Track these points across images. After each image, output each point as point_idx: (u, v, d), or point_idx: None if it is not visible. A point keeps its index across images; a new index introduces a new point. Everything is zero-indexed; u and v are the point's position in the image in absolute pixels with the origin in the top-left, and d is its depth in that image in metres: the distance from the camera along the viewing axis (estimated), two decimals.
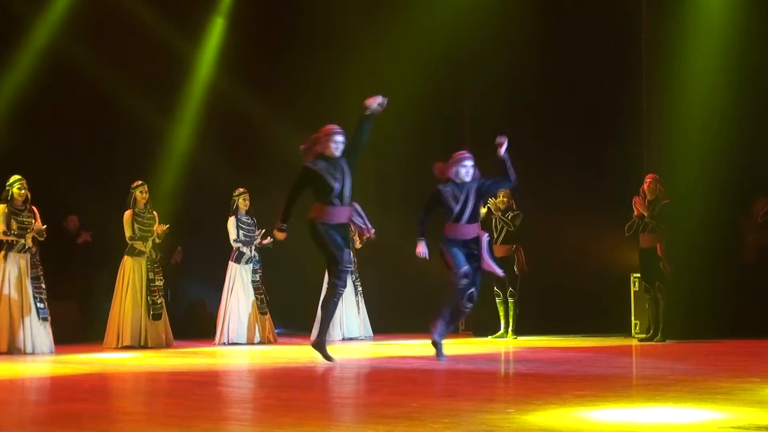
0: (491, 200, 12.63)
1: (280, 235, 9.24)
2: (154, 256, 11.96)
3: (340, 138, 9.25)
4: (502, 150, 9.19)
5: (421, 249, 9.21)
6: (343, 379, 8.08)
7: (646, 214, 11.42)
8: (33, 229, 10.82)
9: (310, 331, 13.27)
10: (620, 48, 12.92)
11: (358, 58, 14.76)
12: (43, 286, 10.89)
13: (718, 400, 5.66)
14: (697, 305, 11.80)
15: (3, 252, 10.80)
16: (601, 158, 13.14)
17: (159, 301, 11.85)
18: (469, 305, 8.87)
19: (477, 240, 8.98)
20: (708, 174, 11.74)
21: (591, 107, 13.24)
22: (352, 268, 13.17)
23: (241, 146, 15.10)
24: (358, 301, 13.21)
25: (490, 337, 12.70)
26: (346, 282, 9.00)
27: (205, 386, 7.27)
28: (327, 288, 8.98)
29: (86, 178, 13.93)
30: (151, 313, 11.79)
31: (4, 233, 10.73)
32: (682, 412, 5.25)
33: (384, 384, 7.26)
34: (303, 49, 15.13)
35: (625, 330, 12.49)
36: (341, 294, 8.89)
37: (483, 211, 12.63)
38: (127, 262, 11.89)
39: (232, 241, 12.48)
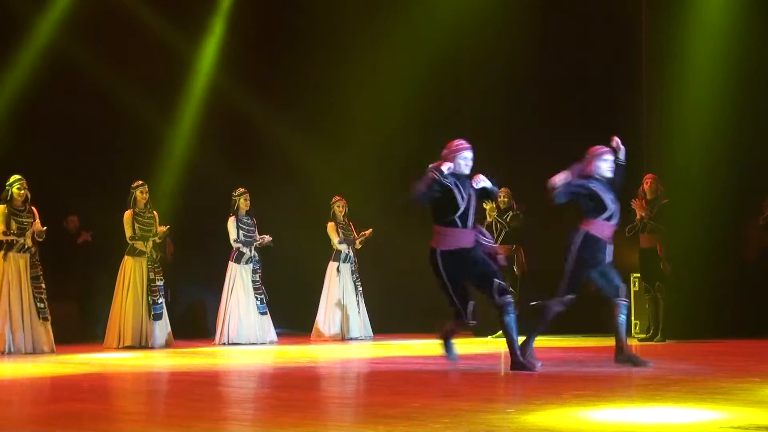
0: (485, 205, 12.61)
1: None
2: (154, 256, 11.97)
3: (468, 154, 8.24)
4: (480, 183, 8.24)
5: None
6: (343, 379, 8.08)
7: (645, 215, 11.42)
8: (33, 229, 10.81)
9: (310, 331, 13.30)
10: (620, 48, 12.91)
11: (358, 58, 14.76)
12: (43, 286, 10.89)
13: (718, 400, 5.66)
14: (697, 305, 11.80)
15: (2, 252, 10.80)
16: None
17: (159, 301, 11.85)
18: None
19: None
20: (708, 174, 11.74)
21: (591, 107, 13.24)
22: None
23: (241, 146, 15.10)
24: (358, 301, 13.21)
25: (490, 337, 12.70)
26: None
27: (205, 386, 7.27)
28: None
29: (86, 178, 13.93)
30: (152, 313, 11.79)
31: (4, 233, 10.73)
32: (682, 412, 5.25)
33: (384, 384, 7.26)
34: (303, 49, 15.13)
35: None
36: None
37: (491, 214, 12.64)
38: (128, 262, 11.89)
39: (232, 241, 12.48)
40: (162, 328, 11.87)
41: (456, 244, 7.81)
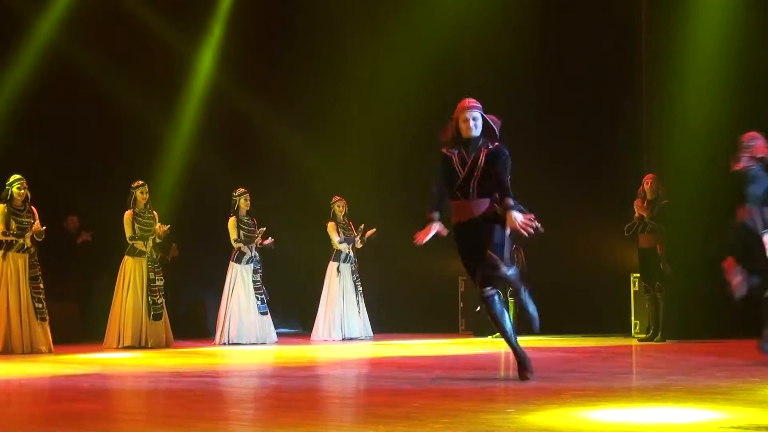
0: None
1: (435, 227, 7.15)
2: (154, 256, 11.97)
3: (469, 114, 7.18)
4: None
5: None
6: (343, 379, 8.08)
7: (645, 215, 11.42)
8: (32, 229, 10.81)
9: (311, 331, 13.30)
10: (620, 48, 12.91)
11: (357, 59, 14.77)
12: (42, 286, 10.88)
13: (718, 400, 5.66)
14: (697, 305, 11.80)
15: (2, 252, 10.79)
16: (601, 158, 13.14)
17: (159, 301, 11.85)
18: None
19: None
20: (708, 174, 11.73)
21: (591, 107, 13.24)
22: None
23: (241, 146, 15.10)
24: (358, 301, 13.21)
25: (490, 337, 12.70)
26: (492, 286, 7.16)
27: (205, 386, 7.27)
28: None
29: (86, 178, 13.93)
30: (152, 313, 11.79)
31: (3, 233, 10.72)
32: (682, 412, 5.25)
33: (384, 384, 7.26)
34: (303, 49, 15.12)
35: (625, 330, 12.49)
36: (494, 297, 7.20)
37: None
38: (128, 262, 11.89)
39: (232, 241, 12.48)
40: (162, 328, 11.87)
41: (460, 216, 7.07)
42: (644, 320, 11.95)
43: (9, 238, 10.75)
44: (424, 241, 7.11)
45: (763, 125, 11.97)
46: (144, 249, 11.88)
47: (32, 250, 10.89)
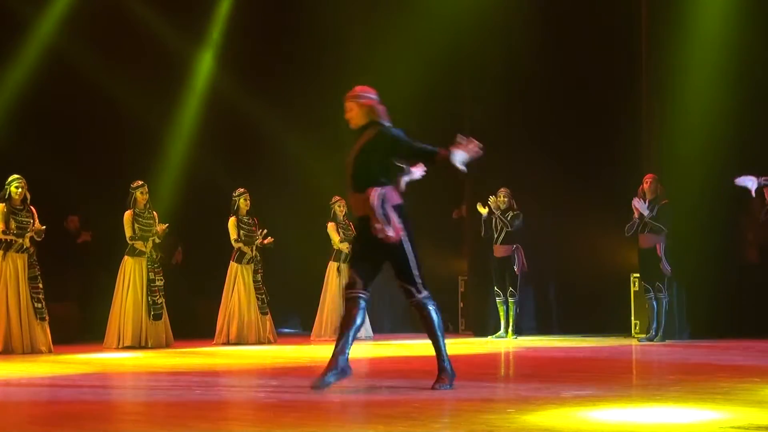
0: (492, 199, 12.62)
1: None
2: (154, 256, 11.96)
3: (346, 105, 7.60)
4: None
5: None
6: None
7: (645, 215, 11.42)
8: (31, 229, 10.80)
9: (311, 331, 13.30)
10: (620, 48, 12.91)
11: (358, 59, 14.74)
12: (41, 286, 10.87)
13: (718, 400, 5.66)
14: (697, 305, 11.81)
15: (1, 252, 10.79)
16: (601, 158, 13.14)
17: (159, 301, 11.85)
18: None
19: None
20: (708, 174, 11.74)
21: (591, 107, 13.24)
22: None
23: (241, 146, 15.09)
24: None
25: (490, 337, 12.70)
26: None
27: (205, 386, 7.26)
28: None
29: (86, 178, 13.93)
30: (152, 313, 11.79)
31: (3, 232, 10.72)
32: (682, 412, 5.25)
33: (384, 384, 7.25)
34: (303, 49, 15.12)
35: (625, 330, 12.50)
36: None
37: (483, 210, 12.65)
38: (128, 262, 11.89)
39: (232, 241, 12.48)
40: (162, 328, 11.87)
41: (357, 211, 7.16)
42: (644, 320, 11.95)
43: (8, 238, 10.75)
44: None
45: (764, 125, 12.00)
46: (144, 249, 11.88)
47: (31, 250, 10.89)
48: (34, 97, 13.55)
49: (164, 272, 12.09)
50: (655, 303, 11.51)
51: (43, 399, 6.78)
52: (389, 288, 15.16)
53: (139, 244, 11.86)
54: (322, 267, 13.34)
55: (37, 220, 10.86)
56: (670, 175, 11.75)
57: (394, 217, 6.91)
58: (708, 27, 11.95)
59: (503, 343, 11.82)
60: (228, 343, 12.29)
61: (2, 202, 10.78)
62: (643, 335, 11.70)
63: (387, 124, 7.01)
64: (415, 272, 7.10)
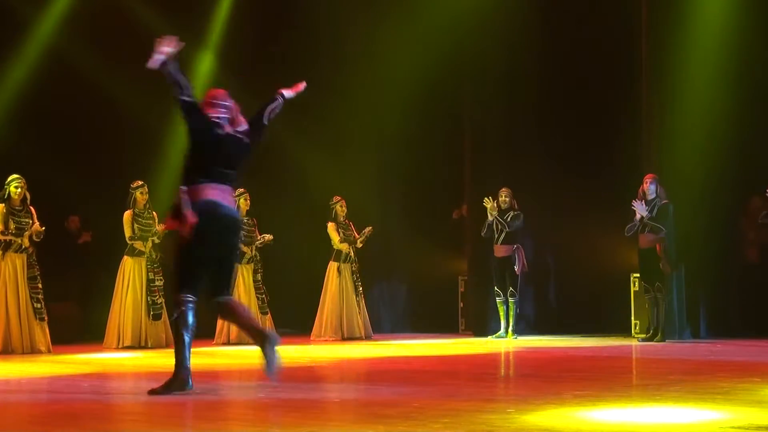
0: (486, 202, 12.60)
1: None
2: (154, 256, 11.96)
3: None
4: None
5: None
6: (343, 379, 8.08)
7: (644, 217, 11.42)
8: (31, 229, 10.80)
9: (310, 331, 13.30)
10: (620, 48, 12.90)
11: (358, 59, 14.74)
12: (40, 286, 10.87)
13: (718, 400, 5.66)
14: (697, 305, 11.80)
15: (0, 252, 10.79)
16: (601, 158, 13.13)
17: (159, 301, 11.84)
18: None
19: None
20: (708, 174, 11.73)
21: (591, 108, 13.23)
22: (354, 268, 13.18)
23: None
24: (358, 301, 13.20)
25: (490, 337, 12.70)
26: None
27: (204, 386, 7.26)
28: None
29: (86, 178, 13.92)
30: (151, 313, 11.79)
31: (2, 233, 10.72)
32: (682, 412, 5.25)
33: (384, 384, 7.26)
34: (303, 48, 15.10)
35: (625, 330, 12.49)
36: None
37: (489, 205, 12.64)
38: (127, 262, 11.89)
39: None
40: (162, 328, 11.87)
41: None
42: (644, 320, 11.94)
43: (7, 238, 10.75)
44: None
45: (764, 125, 11.99)
46: (143, 249, 11.88)
47: (30, 250, 10.89)
48: (34, 97, 13.54)
49: (164, 272, 12.09)
50: (655, 303, 11.51)
51: (43, 399, 6.78)
52: (389, 288, 15.20)
53: (138, 244, 11.86)
54: (322, 267, 13.33)
55: (36, 221, 10.86)
56: (670, 175, 11.74)
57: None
58: (708, 27, 11.95)
59: (503, 343, 11.81)
60: (228, 343, 12.29)
61: (1, 203, 10.78)
62: (643, 335, 11.70)
63: None
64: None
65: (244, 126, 7.40)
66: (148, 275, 11.86)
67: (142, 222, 11.91)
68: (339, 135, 14.89)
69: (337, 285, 13.11)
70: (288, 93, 8.01)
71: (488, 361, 9.55)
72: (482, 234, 12.72)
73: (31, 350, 10.69)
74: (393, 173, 15.03)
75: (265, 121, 7.36)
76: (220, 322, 12.47)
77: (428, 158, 14.47)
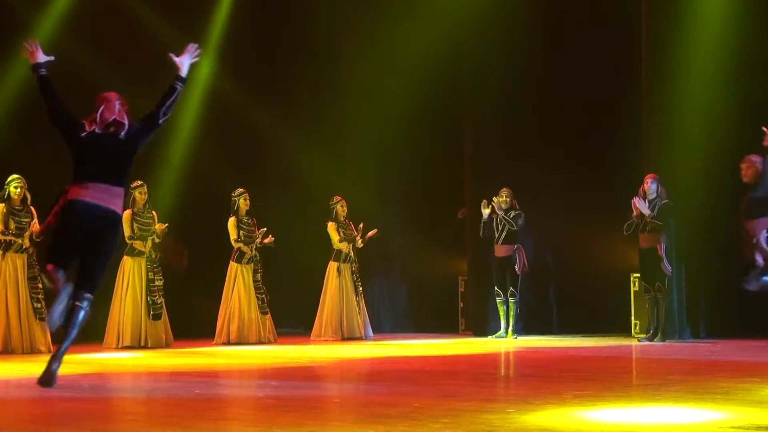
0: (495, 199, 12.61)
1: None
2: (153, 256, 11.96)
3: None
4: None
5: None
6: (343, 379, 8.08)
7: (646, 214, 11.42)
8: (31, 229, 10.80)
9: (310, 331, 13.30)
10: (620, 48, 12.90)
11: (358, 59, 14.74)
12: (40, 286, 10.86)
13: (718, 400, 5.66)
14: (697, 305, 11.80)
15: (0, 252, 10.79)
16: (601, 158, 13.14)
17: (159, 301, 11.84)
18: None
19: None
20: (708, 174, 11.73)
21: (591, 108, 13.23)
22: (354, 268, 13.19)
23: (241, 146, 15.08)
24: (358, 301, 13.20)
25: (490, 337, 12.70)
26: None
27: (205, 386, 7.27)
28: None
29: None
30: (151, 313, 11.79)
31: (2, 233, 10.72)
32: (682, 412, 5.25)
33: (384, 384, 7.26)
34: (302, 49, 15.11)
35: (625, 330, 12.49)
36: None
37: (486, 210, 12.65)
38: (127, 262, 11.89)
39: (232, 242, 12.48)
40: (161, 328, 11.87)
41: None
42: (644, 320, 11.94)
43: (7, 238, 10.75)
44: None
45: (764, 125, 11.98)
46: (143, 249, 11.88)
47: (30, 250, 10.89)
48: (34, 97, 13.51)
49: (164, 272, 12.09)
50: (655, 303, 11.51)
51: (43, 399, 6.78)
52: (389, 288, 15.20)
53: (138, 244, 11.86)
54: (322, 267, 13.33)
55: (36, 221, 10.86)
56: (670, 175, 11.74)
57: None
58: (708, 27, 11.94)
59: (503, 343, 11.82)
60: (228, 343, 12.29)
61: (1, 203, 10.78)
62: (643, 335, 11.70)
63: None
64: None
65: (125, 123, 7.66)
66: (147, 275, 11.86)
67: (142, 222, 11.90)
68: (339, 135, 14.89)
69: (337, 285, 13.11)
70: (184, 70, 8.12)
71: (488, 361, 9.55)
72: (480, 235, 12.71)
73: (31, 350, 10.69)
74: (393, 173, 15.03)
75: (160, 121, 7.83)
76: (219, 322, 12.48)
77: (428, 158, 14.47)
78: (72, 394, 6.78)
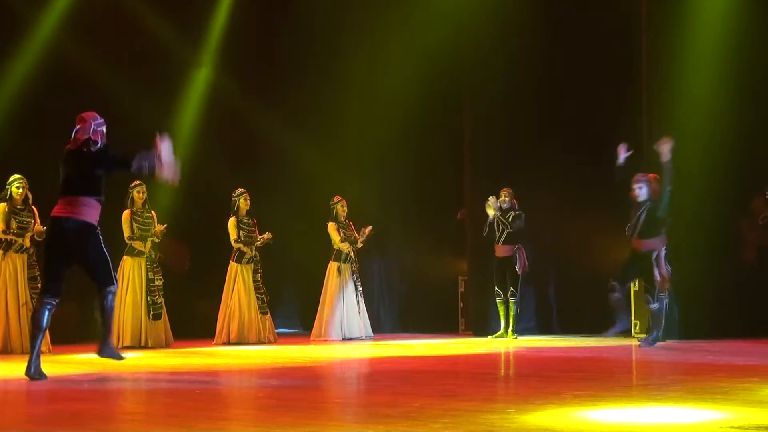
0: (492, 199, 12.61)
1: None
2: (153, 256, 11.96)
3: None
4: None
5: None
6: (343, 379, 8.08)
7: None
8: (32, 229, 10.80)
9: (310, 331, 13.30)
10: (620, 48, 12.90)
11: (358, 59, 14.75)
12: (40, 286, 10.86)
13: (718, 400, 5.66)
14: (697, 305, 11.79)
15: (0, 252, 10.79)
16: (601, 158, 13.12)
17: (159, 301, 11.84)
18: None
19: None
20: (708, 174, 11.73)
21: (591, 107, 13.22)
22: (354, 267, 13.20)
23: (241, 146, 15.09)
24: (358, 301, 13.20)
25: (490, 337, 12.70)
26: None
27: (205, 386, 7.27)
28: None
29: None
30: (151, 312, 11.79)
31: (3, 232, 10.72)
32: (682, 412, 5.25)
33: (384, 384, 7.26)
34: (303, 49, 15.12)
35: (625, 330, 12.48)
36: None
37: (491, 211, 12.65)
38: (127, 262, 11.89)
39: (232, 242, 12.49)
40: (161, 328, 11.87)
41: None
42: (644, 320, 11.93)
43: (9, 237, 10.75)
44: None
45: (763, 124, 12.00)
46: (143, 249, 11.88)
47: (31, 250, 10.89)
48: (34, 96, 13.53)
49: (164, 272, 12.09)
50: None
51: (43, 399, 6.78)
52: (389, 288, 15.20)
53: (137, 244, 11.86)
54: (322, 267, 13.33)
55: (38, 221, 10.86)
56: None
57: None
58: (708, 27, 11.94)
59: (503, 343, 11.82)
60: (228, 343, 12.29)
61: (3, 202, 10.79)
62: (643, 335, 11.69)
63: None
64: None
65: (98, 141, 8.15)
66: (147, 275, 11.86)
67: (141, 221, 11.91)
68: (339, 135, 14.89)
69: (337, 285, 13.11)
70: (157, 162, 7.96)
71: (488, 361, 9.55)
72: (483, 233, 12.72)
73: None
74: (393, 173, 15.03)
75: (131, 170, 8.08)
76: (219, 322, 12.49)
77: (428, 158, 14.47)
78: (72, 394, 6.78)
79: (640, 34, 12.32)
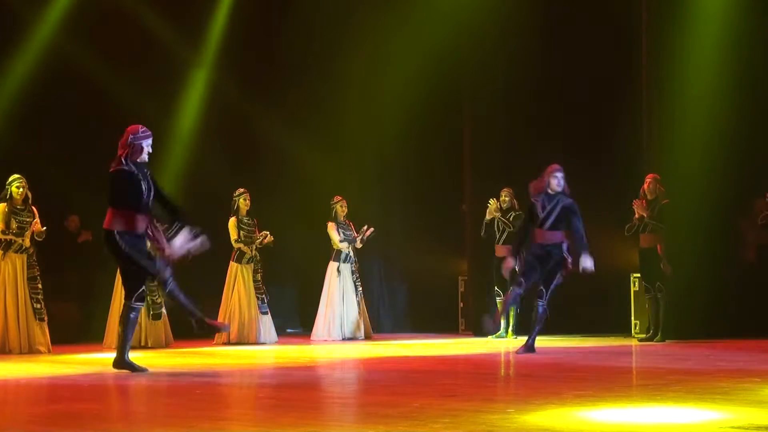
0: (493, 200, 12.62)
1: None
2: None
3: (147, 142, 9.16)
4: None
5: (510, 263, 10.13)
6: (343, 379, 8.08)
7: (645, 215, 11.43)
8: (32, 229, 10.80)
9: (310, 331, 13.31)
10: (620, 48, 12.91)
11: (358, 59, 14.75)
12: (40, 286, 10.87)
13: (718, 400, 5.66)
14: (697, 305, 11.79)
15: (0, 251, 10.79)
16: (601, 158, 13.14)
17: (159, 301, 11.84)
18: None
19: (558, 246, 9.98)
20: (708, 174, 11.73)
21: (591, 108, 13.23)
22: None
23: (241, 146, 15.09)
24: (358, 301, 13.21)
25: (490, 337, 12.70)
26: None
27: (205, 386, 7.27)
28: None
29: (87, 177, 13.91)
30: (151, 312, 11.79)
31: (3, 232, 10.72)
32: (682, 412, 5.25)
33: (384, 384, 7.26)
34: (303, 49, 15.11)
35: (625, 330, 12.50)
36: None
37: (493, 211, 12.65)
38: None
39: (233, 242, 12.49)
40: (161, 328, 11.86)
41: (133, 227, 8.35)
42: (644, 320, 11.95)
43: (8, 237, 10.75)
44: None
45: (763, 124, 12.00)
46: None
47: (31, 250, 10.89)
48: (34, 96, 13.54)
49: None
50: (655, 303, 11.51)
51: (43, 399, 6.78)
52: (389, 288, 15.21)
53: None
54: (322, 267, 13.33)
55: (38, 221, 10.86)
56: (670, 175, 11.74)
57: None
58: (708, 27, 11.94)
59: (503, 343, 11.81)
60: (228, 343, 12.29)
61: (3, 202, 10.79)
62: (643, 335, 11.69)
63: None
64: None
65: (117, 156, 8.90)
66: None
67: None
68: (339, 135, 14.89)
69: (337, 285, 13.12)
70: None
71: (488, 361, 9.55)
72: (482, 235, 12.72)
73: (30, 350, 10.68)
74: (393, 173, 15.03)
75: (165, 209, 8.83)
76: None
77: (428, 158, 14.47)
78: (72, 394, 6.78)
79: (640, 34, 12.32)
